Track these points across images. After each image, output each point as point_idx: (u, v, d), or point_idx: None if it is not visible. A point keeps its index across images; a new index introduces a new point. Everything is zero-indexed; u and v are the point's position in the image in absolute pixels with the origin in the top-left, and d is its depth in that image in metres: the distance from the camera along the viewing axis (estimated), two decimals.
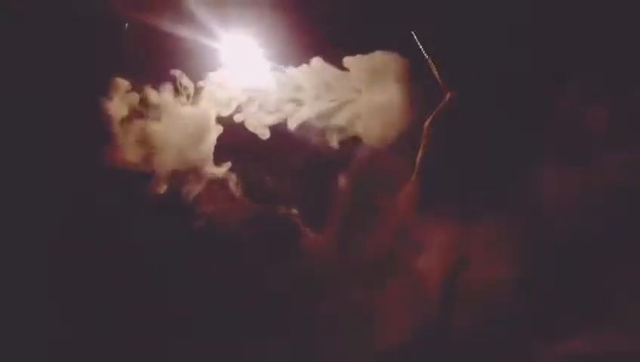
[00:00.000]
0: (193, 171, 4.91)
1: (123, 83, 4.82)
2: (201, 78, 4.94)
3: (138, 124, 4.84)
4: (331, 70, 4.89)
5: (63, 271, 4.76)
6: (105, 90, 4.78)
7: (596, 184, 4.52)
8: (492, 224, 4.61)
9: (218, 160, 4.96)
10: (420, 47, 4.77)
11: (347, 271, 4.80)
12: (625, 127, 4.61)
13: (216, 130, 4.94)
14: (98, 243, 4.83)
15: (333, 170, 5.02)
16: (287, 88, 4.94)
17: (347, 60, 4.83)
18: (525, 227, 4.58)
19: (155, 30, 4.81)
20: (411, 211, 4.84)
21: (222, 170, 4.96)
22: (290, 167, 5.06)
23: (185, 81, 4.90)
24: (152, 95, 4.87)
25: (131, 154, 4.80)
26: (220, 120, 4.95)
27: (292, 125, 4.92)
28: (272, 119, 4.93)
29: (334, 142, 4.97)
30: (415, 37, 4.76)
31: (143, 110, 4.86)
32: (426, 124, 4.83)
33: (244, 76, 4.99)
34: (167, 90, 4.89)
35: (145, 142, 4.84)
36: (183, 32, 4.82)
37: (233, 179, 4.98)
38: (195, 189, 4.91)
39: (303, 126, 4.94)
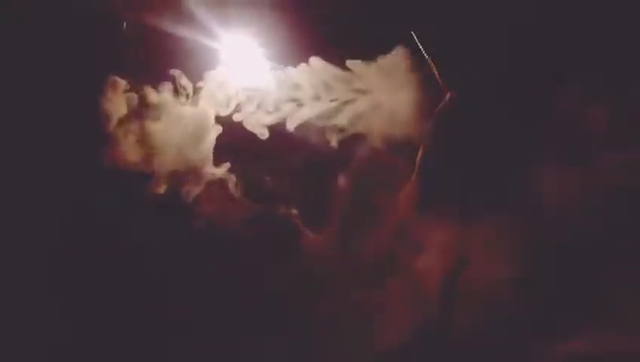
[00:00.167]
0: (193, 171, 4.91)
1: (122, 83, 4.83)
2: (200, 78, 4.94)
3: (138, 124, 4.84)
4: (331, 69, 4.89)
5: (63, 271, 4.76)
6: (105, 90, 4.78)
7: (596, 184, 4.51)
8: (492, 224, 4.61)
9: (217, 160, 4.96)
10: (420, 47, 4.77)
11: (347, 271, 4.80)
12: (625, 127, 4.60)
13: (216, 130, 4.94)
14: (98, 243, 4.83)
15: (332, 169, 5.02)
16: (286, 87, 4.94)
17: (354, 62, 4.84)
18: (525, 227, 4.58)
19: (154, 30, 4.81)
20: (411, 211, 4.84)
21: (221, 170, 4.96)
22: (290, 167, 5.06)
23: (184, 80, 4.90)
24: (152, 95, 4.87)
25: (131, 154, 4.81)
26: (219, 120, 4.95)
27: (291, 125, 4.92)
28: (271, 119, 4.94)
29: (334, 141, 4.97)
30: (415, 37, 4.77)
31: (142, 110, 4.86)
32: (427, 123, 4.83)
33: (243, 76, 4.99)
34: (167, 89, 4.89)
35: (144, 142, 4.84)
36: (182, 31, 4.82)
37: (233, 179, 4.98)
38: (194, 189, 4.91)
39: (302, 125, 4.94)
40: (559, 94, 4.71)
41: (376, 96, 4.90)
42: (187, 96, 4.93)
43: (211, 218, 4.92)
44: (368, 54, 4.82)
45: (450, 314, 4.61)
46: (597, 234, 4.50)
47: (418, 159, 4.85)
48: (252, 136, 4.93)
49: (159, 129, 4.87)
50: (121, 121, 4.81)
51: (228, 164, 4.96)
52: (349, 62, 4.84)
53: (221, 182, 4.96)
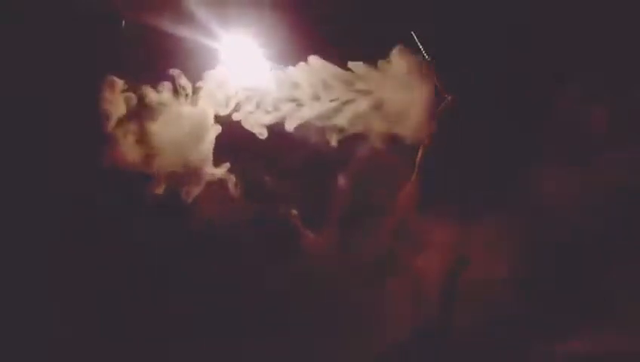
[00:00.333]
0: (192, 171, 4.90)
1: (120, 82, 4.82)
2: (200, 78, 4.93)
3: (137, 124, 4.84)
4: (331, 69, 4.88)
5: (63, 271, 4.76)
6: (104, 90, 4.78)
7: (596, 184, 4.51)
8: (492, 224, 4.61)
9: (217, 160, 4.95)
10: (420, 47, 4.77)
11: (347, 271, 4.80)
12: (625, 127, 4.60)
13: (215, 130, 4.94)
14: (98, 243, 4.83)
15: (332, 169, 5.02)
16: (286, 87, 4.94)
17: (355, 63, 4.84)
18: (525, 227, 4.57)
19: (154, 30, 4.80)
20: (411, 211, 4.84)
21: (221, 171, 4.95)
22: (290, 167, 5.06)
23: (184, 80, 4.89)
24: (151, 95, 4.86)
25: (130, 154, 4.80)
26: (218, 120, 4.95)
27: (291, 125, 4.92)
28: (270, 118, 4.93)
29: (334, 141, 4.97)
30: (415, 37, 4.76)
31: (141, 110, 4.86)
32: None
33: (243, 76, 4.98)
34: (166, 89, 4.88)
35: (144, 142, 4.83)
36: (182, 31, 4.81)
37: (232, 179, 4.97)
38: (194, 189, 4.91)
39: (302, 125, 4.94)
40: (559, 94, 4.71)
41: (376, 95, 4.89)
42: (186, 96, 4.92)
43: (211, 218, 4.92)
44: (368, 54, 4.81)
45: (450, 314, 4.61)
46: (597, 234, 4.49)
47: (418, 159, 4.84)
48: (252, 136, 4.92)
49: (159, 129, 4.86)
50: (121, 121, 4.80)
51: (227, 164, 4.96)
52: (350, 63, 4.83)
53: (221, 183, 4.96)
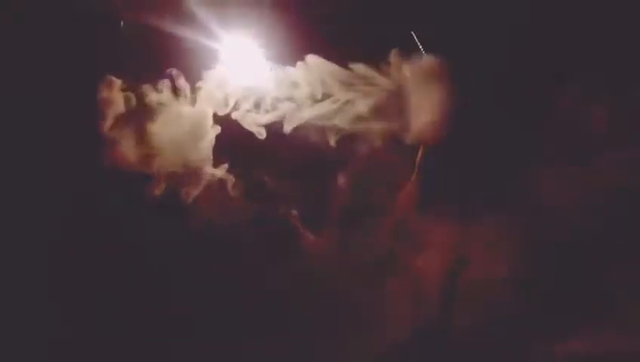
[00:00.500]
0: (192, 171, 4.90)
1: (118, 82, 4.82)
2: (199, 78, 4.93)
3: (136, 124, 4.84)
4: (330, 68, 4.88)
5: (63, 271, 4.76)
6: (104, 89, 4.78)
7: (596, 184, 4.51)
8: (492, 224, 4.61)
9: (216, 160, 4.95)
10: (420, 47, 4.77)
11: (347, 271, 4.80)
12: (625, 127, 4.61)
13: (215, 130, 4.94)
14: (98, 243, 4.83)
15: (332, 169, 5.01)
16: (285, 87, 4.93)
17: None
18: (525, 227, 4.58)
19: (154, 30, 4.80)
20: (411, 211, 4.84)
21: (221, 171, 4.95)
22: (290, 167, 5.06)
23: (183, 80, 4.89)
24: (151, 94, 4.86)
25: (130, 154, 4.80)
26: (218, 120, 4.95)
27: (291, 125, 4.92)
28: (269, 118, 4.93)
29: (333, 141, 4.96)
30: (415, 37, 4.76)
31: (141, 110, 4.86)
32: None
33: (242, 76, 4.98)
34: (166, 89, 4.88)
35: (144, 142, 4.83)
36: (181, 31, 4.81)
37: (232, 179, 4.97)
38: (194, 190, 4.90)
39: (302, 125, 4.93)
40: (559, 94, 4.71)
41: (376, 95, 4.89)
42: (186, 95, 4.92)
43: (211, 218, 4.92)
44: (368, 54, 4.81)
45: (450, 314, 4.61)
46: (597, 234, 4.50)
47: (418, 159, 4.85)
48: (251, 136, 4.92)
49: (158, 129, 4.86)
50: (120, 121, 4.80)
51: (227, 165, 4.96)
52: (350, 64, 4.83)
53: (220, 183, 4.96)
